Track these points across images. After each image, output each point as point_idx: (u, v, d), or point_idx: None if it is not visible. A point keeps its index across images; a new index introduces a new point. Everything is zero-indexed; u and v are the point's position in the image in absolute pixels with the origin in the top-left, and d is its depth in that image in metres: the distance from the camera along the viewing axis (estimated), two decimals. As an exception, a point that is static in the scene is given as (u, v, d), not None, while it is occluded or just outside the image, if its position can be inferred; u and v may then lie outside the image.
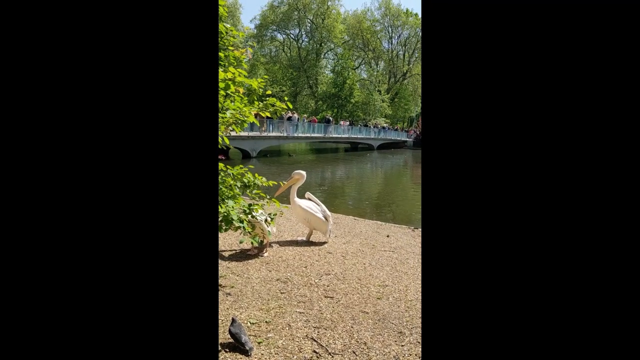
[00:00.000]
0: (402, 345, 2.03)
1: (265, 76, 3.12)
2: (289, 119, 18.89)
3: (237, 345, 1.94)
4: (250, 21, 38.88)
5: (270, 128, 18.29)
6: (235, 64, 2.68)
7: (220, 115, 2.00)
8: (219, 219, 2.11)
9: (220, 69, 2.44)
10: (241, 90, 2.62)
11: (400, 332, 2.17)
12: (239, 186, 2.45)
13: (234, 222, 2.09)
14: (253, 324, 2.20)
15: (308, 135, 21.52)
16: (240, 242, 2.73)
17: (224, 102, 2.61)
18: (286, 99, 2.73)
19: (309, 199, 3.95)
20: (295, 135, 20.03)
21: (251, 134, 16.37)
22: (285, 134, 19.06)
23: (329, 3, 35.38)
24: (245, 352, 1.89)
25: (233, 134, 2.66)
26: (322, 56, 37.53)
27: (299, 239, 4.03)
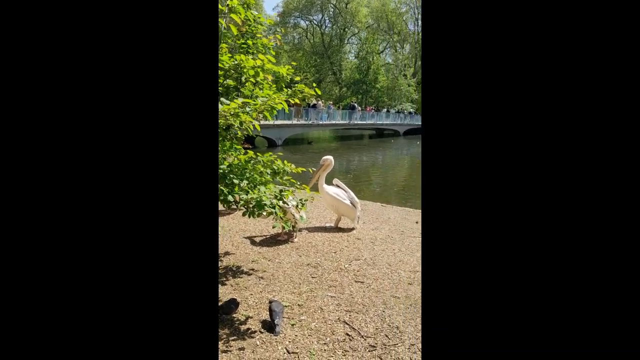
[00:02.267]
0: (435, 330, 2.04)
1: (294, 62, 3.12)
2: (314, 106, 18.83)
3: (269, 322, 2.03)
4: (273, 9, 38.72)
5: (303, 116, 18.38)
6: (264, 51, 2.69)
7: (252, 102, 2.02)
8: (252, 205, 2.15)
9: (250, 57, 2.46)
10: (269, 77, 2.63)
11: (433, 317, 2.17)
12: (269, 173, 2.48)
13: (266, 207, 2.13)
14: (286, 306, 2.26)
15: (332, 122, 21.41)
16: (273, 227, 2.79)
17: (253, 89, 2.63)
18: (314, 85, 2.72)
19: (337, 186, 3.96)
20: (320, 122, 19.98)
21: (277, 122, 16.46)
22: (310, 122, 19.06)
23: (353, -14, 34.61)
24: (273, 330, 1.99)
25: (262, 122, 2.68)
26: (346, 41, 36.88)
27: (327, 225, 4.07)
